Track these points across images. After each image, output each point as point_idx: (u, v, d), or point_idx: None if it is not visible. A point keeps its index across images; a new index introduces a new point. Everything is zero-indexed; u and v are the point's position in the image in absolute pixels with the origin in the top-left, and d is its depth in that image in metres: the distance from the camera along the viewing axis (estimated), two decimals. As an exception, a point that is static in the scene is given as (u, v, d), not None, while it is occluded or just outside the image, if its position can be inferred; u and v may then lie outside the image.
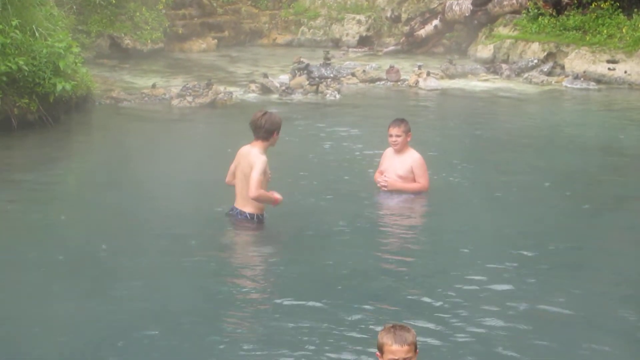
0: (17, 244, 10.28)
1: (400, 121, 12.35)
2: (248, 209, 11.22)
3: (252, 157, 11.11)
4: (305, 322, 8.23)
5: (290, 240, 11.35)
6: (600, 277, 9.25)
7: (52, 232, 10.69)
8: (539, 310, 8.31)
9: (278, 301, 9.04)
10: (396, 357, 6.18)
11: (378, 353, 6.30)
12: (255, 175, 10.92)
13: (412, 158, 12.32)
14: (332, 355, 7.44)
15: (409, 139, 12.27)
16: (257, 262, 10.82)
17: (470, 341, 7.71)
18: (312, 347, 7.74)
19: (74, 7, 20.20)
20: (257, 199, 11.08)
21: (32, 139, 14.82)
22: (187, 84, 18.47)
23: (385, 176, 12.48)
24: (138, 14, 22.28)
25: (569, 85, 20.62)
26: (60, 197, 12.56)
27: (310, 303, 8.75)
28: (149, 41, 22.25)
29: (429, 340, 7.52)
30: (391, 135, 12.27)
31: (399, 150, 12.29)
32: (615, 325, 7.97)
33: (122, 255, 9.83)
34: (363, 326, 7.91)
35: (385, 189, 12.43)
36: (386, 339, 6.24)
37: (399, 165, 12.42)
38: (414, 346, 6.27)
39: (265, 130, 11.14)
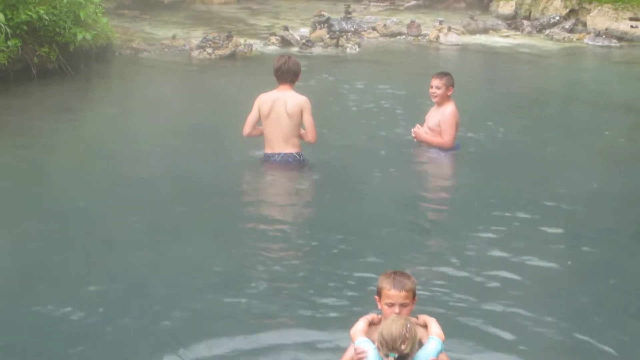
0: (30, 190, 10.36)
1: (442, 74, 12.30)
2: (292, 149, 11.43)
3: (296, 100, 11.31)
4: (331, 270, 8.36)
5: (322, 189, 11.41)
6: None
7: (67, 180, 10.65)
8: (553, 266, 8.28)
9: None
10: (393, 302, 6.28)
11: (377, 297, 6.40)
12: (311, 119, 11.33)
13: (442, 112, 12.21)
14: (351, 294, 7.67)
15: (449, 93, 12.20)
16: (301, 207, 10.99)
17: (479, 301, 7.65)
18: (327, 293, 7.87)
19: None
20: (315, 141, 11.55)
21: (51, 88, 14.87)
22: (207, 36, 18.60)
23: (417, 126, 12.46)
24: None
25: (590, 43, 20.62)
26: (77, 146, 12.51)
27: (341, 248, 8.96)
28: None
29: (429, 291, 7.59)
30: (431, 87, 12.22)
31: (439, 103, 12.20)
32: None
33: (139, 206, 9.71)
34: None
35: (415, 139, 12.49)
36: (385, 283, 6.34)
37: (432, 117, 12.38)
38: (412, 293, 6.36)
39: (293, 73, 11.35)
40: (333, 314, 7.57)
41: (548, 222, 9.54)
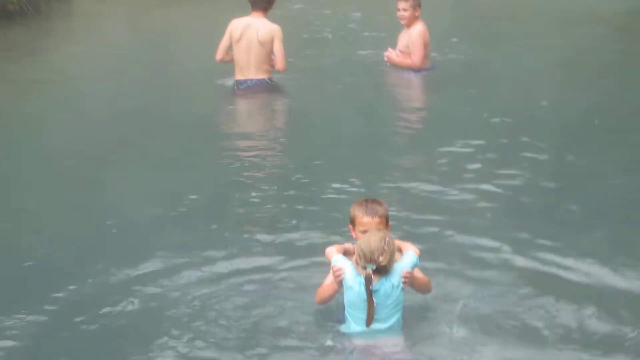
0: (7, 137, 10.35)
1: None
2: (263, 75, 11.68)
3: (267, 28, 11.57)
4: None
5: (297, 108, 11.73)
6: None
7: (37, 121, 10.74)
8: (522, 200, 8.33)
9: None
10: (367, 229, 6.33)
11: (350, 226, 6.46)
12: (282, 48, 11.60)
13: (410, 34, 12.33)
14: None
15: (417, 14, 12.35)
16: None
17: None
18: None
19: None
20: (285, 69, 11.85)
21: (13, 29, 15.00)
22: None
23: (389, 49, 12.65)
24: None
25: None
26: (45, 85, 12.59)
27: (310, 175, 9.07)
28: None
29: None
30: (398, 10, 12.45)
31: (407, 25, 12.39)
32: None
33: (113, 143, 9.76)
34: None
35: (387, 62, 12.67)
36: (358, 212, 6.41)
37: (402, 39, 12.65)
38: (385, 219, 6.44)
39: (265, 1, 11.64)
40: (308, 240, 7.65)
41: (518, 134, 9.75)
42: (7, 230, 7.79)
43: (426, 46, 12.53)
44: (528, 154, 9.36)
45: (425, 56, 12.65)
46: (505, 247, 7.51)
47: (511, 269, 7.16)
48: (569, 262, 7.15)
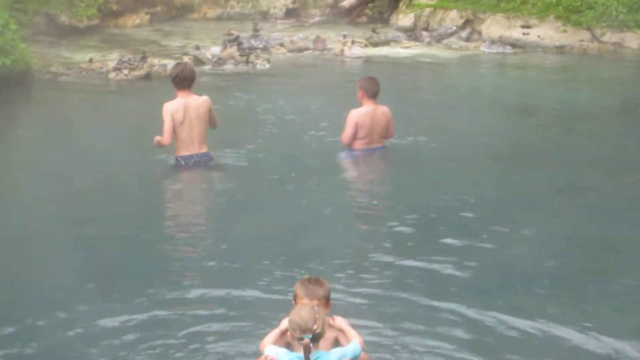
0: None
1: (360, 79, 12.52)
2: (206, 149, 11.78)
3: (201, 101, 11.69)
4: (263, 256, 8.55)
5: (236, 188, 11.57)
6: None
7: None
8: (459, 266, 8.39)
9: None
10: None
11: (293, 302, 6.47)
12: (214, 112, 11.78)
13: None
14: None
15: (360, 96, 12.14)
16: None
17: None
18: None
19: None
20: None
21: None
22: (123, 58, 18.59)
23: None
24: None
25: (486, 50, 20.98)
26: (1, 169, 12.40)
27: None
28: (84, 18, 22.17)
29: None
30: None
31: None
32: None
33: (63, 222, 9.68)
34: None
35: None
36: (299, 291, 6.45)
37: None
38: (325, 299, 6.46)
39: (191, 79, 11.72)
40: (249, 322, 7.47)
41: (457, 219, 9.68)
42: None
43: (355, 126, 12.12)
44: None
45: (354, 136, 12.24)
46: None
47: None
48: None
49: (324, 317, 6.28)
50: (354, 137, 12.05)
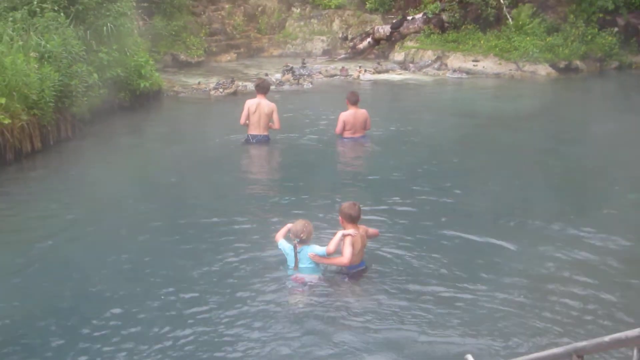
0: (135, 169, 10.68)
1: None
2: (265, 132, 11.83)
3: (269, 104, 11.80)
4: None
5: (288, 159, 11.76)
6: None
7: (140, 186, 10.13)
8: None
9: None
10: (347, 228, 6.66)
11: (340, 218, 6.70)
12: (277, 115, 11.77)
13: None
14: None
15: (347, 103, 12.04)
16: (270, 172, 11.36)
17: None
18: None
19: (150, 36, 19.88)
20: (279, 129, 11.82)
21: (127, 118, 14.64)
22: (219, 81, 18.39)
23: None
24: (188, 40, 21.99)
25: (450, 76, 20.53)
26: (146, 151, 12.60)
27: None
28: (195, 56, 21.88)
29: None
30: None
31: None
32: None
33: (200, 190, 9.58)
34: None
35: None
36: (346, 213, 6.71)
37: None
38: (358, 221, 6.75)
39: (266, 87, 12.04)
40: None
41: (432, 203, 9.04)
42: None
43: (343, 123, 11.93)
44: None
45: (343, 129, 12.04)
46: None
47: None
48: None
49: (310, 231, 6.73)
50: (343, 129, 11.94)
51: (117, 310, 6.10)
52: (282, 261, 6.88)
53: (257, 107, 11.73)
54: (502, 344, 5.59)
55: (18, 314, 6.12)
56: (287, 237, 6.88)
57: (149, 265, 7.09)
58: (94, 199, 9.38)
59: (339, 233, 6.70)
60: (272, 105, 11.81)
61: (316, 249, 6.67)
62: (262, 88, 11.98)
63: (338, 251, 6.67)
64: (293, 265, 6.73)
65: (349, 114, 11.91)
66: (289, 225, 6.92)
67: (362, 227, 6.84)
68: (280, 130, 12.00)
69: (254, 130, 11.77)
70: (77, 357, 5.41)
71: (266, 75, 19.66)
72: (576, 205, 9.04)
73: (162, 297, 6.44)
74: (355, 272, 6.74)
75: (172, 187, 9.99)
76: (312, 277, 6.71)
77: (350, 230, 6.66)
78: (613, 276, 6.85)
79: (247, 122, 11.79)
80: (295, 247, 6.71)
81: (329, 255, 6.64)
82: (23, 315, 6.09)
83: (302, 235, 6.69)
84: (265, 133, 11.82)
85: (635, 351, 2.88)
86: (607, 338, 2.93)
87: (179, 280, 6.76)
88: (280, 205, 8.94)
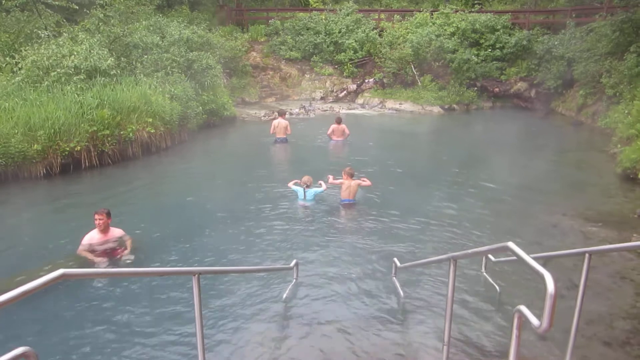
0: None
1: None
2: (285, 135, 12.07)
3: (284, 121, 12.19)
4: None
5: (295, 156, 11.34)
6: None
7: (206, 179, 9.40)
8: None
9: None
10: (343, 181, 6.11)
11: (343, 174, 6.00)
12: (290, 126, 11.95)
13: (343, 127, 12.13)
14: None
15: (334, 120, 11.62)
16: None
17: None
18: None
19: (230, 87, 19.52)
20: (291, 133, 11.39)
21: (216, 132, 14.55)
22: (267, 112, 18.40)
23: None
24: (250, 90, 21.37)
25: (387, 112, 20.33)
26: (228, 146, 12.77)
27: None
28: (253, 99, 20.97)
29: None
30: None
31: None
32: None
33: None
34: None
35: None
36: (345, 173, 6.45)
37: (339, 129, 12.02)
38: (351, 176, 6.26)
39: (284, 113, 12.58)
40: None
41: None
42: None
43: (333, 132, 11.80)
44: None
45: (331, 135, 11.91)
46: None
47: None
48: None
49: (311, 180, 6.48)
50: (331, 135, 12.20)
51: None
52: (295, 196, 7.07)
53: (279, 123, 12.08)
54: (421, 250, 5.34)
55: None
56: (295, 184, 6.90)
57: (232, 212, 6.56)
58: (205, 169, 9.86)
59: (331, 177, 6.98)
60: (286, 122, 12.18)
61: (317, 189, 6.64)
62: (281, 113, 12.59)
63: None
64: (302, 198, 6.79)
65: (334, 127, 12.34)
66: (295, 180, 7.02)
67: (356, 181, 6.69)
68: (292, 135, 12.10)
69: (278, 134, 12.10)
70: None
71: (290, 109, 19.16)
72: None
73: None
74: (347, 204, 6.71)
75: (248, 159, 10.62)
76: (311, 204, 6.78)
77: (339, 180, 6.75)
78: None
79: (274, 131, 12.05)
80: (304, 190, 6.75)
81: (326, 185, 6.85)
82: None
83: (308, 182, 6.81)
84: (284, 136, 12.06)
85: (484, 259, 2.42)
86: (470, 251, 2.59)
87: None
88: (295, 171, 8.93)
